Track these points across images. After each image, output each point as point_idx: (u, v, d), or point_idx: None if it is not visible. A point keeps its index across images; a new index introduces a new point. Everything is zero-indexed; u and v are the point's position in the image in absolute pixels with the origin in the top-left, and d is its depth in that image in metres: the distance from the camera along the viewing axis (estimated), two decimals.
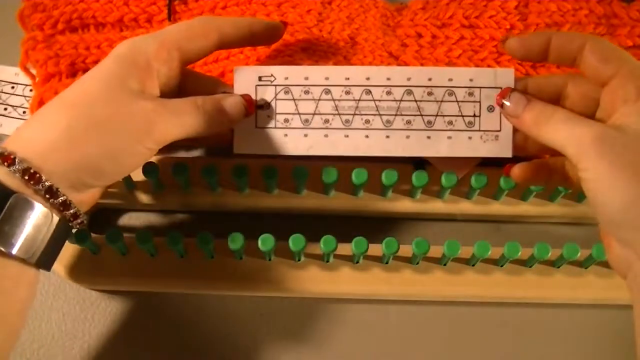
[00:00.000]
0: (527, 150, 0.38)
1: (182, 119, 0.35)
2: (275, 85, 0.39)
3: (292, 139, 0.39)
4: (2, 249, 0.30)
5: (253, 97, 0.38)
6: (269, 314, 0.42)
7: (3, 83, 0.48)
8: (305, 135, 0.39)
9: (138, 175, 0.41)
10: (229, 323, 0.42)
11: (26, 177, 0.31)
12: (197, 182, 0.42)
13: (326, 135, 0.39)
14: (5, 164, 0.31)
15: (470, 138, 0.38)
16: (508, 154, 0.38)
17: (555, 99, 0.36)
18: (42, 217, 0.31)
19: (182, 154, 0.43)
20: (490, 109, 0.38)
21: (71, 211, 0.33)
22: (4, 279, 0.31)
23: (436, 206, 0.42)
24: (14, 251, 0.31)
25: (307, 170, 0.40)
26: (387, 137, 0.38)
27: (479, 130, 0.38)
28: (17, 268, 0.31)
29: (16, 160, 0.31)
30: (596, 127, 0.32)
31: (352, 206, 0.43)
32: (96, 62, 0.45)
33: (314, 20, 0.47)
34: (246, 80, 0.39)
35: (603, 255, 0.38)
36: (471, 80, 0.38)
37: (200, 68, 0.45)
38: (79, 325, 0.42)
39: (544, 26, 0.46)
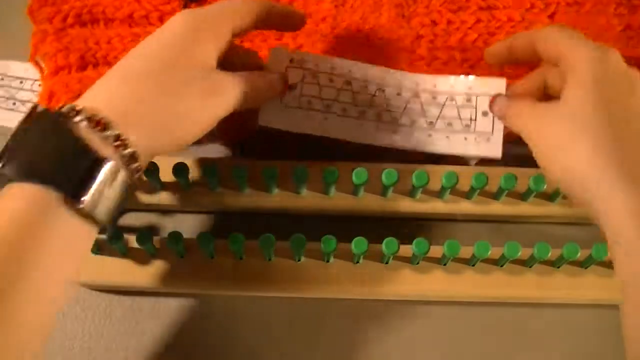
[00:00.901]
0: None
1: (239, 90, 0.36)
2: (304, 69, 0.42)
3: (312, 120, 0.41)
4: (93, 219, 0.30)
5: None
6: (269, 314, 0.42)
7: (11, 78, 0.48)
8: (325, 119, 0.41)
9: None
10: (228, 323, 0.42)
11: (116, 144, 0.31)
12: (198, 182, 0.42)
13: (342, 122, 0.41)
14: (98, 128, 0.31)
15: (465, 139, 0.41)
16: (498, 154, 0.41)
17: (544, 93, 0.39)
18: (123, 185, 0.31)
19: (182, 155, 0.43)
20: (485, 113, 0.41)
21: (137, 175, 0.33)
22: (80, 242, 0.31)
23: (436, 206, 0.42)
24: (100, 219, 0.31)
25: (307, 170, 0.40)
26: (394, 132, 0.41)
27: (474, 132, 0.41)
28: (89, 230, 0.31)
29: (108, 125, 0.31)
30: (539, 107, 0.37)
31: (352, 206, 0.43)
32: (105, 56, 0.46)
33: (328, 28, 0.47)
34: (279, 61, 0.42)
35: (603, 255, 0.38)
36: (469, 88, 0.42)
37: None
38: (79, 325, 0.42)
39: (564, 5, 0.47)
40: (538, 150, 0.36)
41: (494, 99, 0.41)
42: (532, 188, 0.41)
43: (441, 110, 0.42)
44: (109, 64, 0.46)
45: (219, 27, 0.36)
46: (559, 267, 0.41)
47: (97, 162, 0.30)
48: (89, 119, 0.31)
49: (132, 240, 0.40)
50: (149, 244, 0.39)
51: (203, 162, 0.42)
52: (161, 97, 0.33)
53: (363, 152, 0.42)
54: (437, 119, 0.41)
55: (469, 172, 0.41)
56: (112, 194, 0.31)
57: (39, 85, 0.48)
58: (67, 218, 0.30)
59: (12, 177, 0.30)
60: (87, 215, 0.30)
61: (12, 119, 0.47)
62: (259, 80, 0.38)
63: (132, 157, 0.32)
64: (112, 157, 0.31)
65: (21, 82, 0.48)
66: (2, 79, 0.48)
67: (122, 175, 0.31)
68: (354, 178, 0.40)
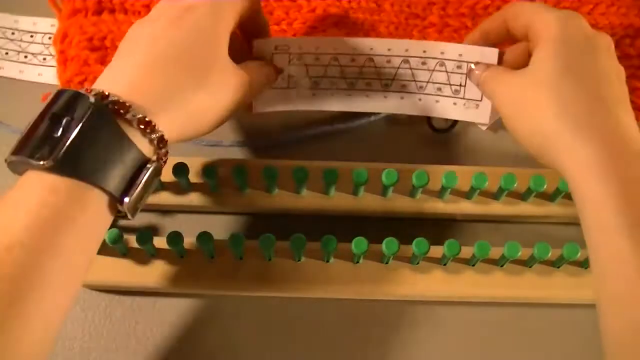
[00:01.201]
0: None
1: (247, 81, 0.37)
2: (289, 54, 0.42)
3: (302, 97, 0.43)
4: (128, 216, 0.31)
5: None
6: (269, 314, 0.42)
7: (22, 32, 0.49)
8: (314, 95, 0.43)
9: None
10: (228, 323, 0.42)
11: (160, 146, 0.32)
12: (198, 182, 0.42)
13: (332, 95, 0.43)
14: (148, 129, 0.31)
15: (455, 104, 0.43)
16: (486, 120, 0.43)
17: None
18: (155, 181, 0.32)
19: (182, 155, 0.43)
20: None
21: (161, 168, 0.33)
22: (101, 234, 0.31)
23: (436, 206, 0.42)
24: (130, 215, 0.31)
25: (307, 170, 0.40)
26: (385, 97, 0.43)
27: (463, 98, 0.43)
28: (110, 220, 0.31)
29: (155, 128, 0.31)
30: (505, 74, 0.39)
31: (352, 206, 0.43)
32: (122, 3, 0.47)
33: None
34: (264, 50, 0.42)
35: None
36: (460, 55, 0.42)
37: None
38: (79, 325, 0.42)
39: None
40: (506, 111, 0.38)
41: (470, 68, 0.42)
42: (532, 188, 0.41)
43: (431, 75, 0.43)
44: (125, 11, 0.47)
45: (230, 13, 0.35)
46: (559, 267, 0.41)
47: (143, 164, 0.31)
48: (139, 119, 0.31)
49: (132, 240, 0.40)
50: (149, 244, 0.39)
51: (203, 163, 0.42)
52: (191, 90, 0.33)
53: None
54: (427, 84, 0.43)
55: (469, 172, 0.41)
56: (146, 192, 0.31)
57: (49, 38, 0.49)
58: (103, 215, 0.30)
59: (53, 171, 0.28)
60: (122, 214, 0.31)
61: (25, 71, 0.49)
62: (259, 72, 0.39)
63: (166, 154, 0.32)
64: (153, 159, 0.31)
65: (32, 36, 0.49)
66: (13, 34, 0.49)
67: (156, 174, 0.32)
68: (354, 178, 0.40)
